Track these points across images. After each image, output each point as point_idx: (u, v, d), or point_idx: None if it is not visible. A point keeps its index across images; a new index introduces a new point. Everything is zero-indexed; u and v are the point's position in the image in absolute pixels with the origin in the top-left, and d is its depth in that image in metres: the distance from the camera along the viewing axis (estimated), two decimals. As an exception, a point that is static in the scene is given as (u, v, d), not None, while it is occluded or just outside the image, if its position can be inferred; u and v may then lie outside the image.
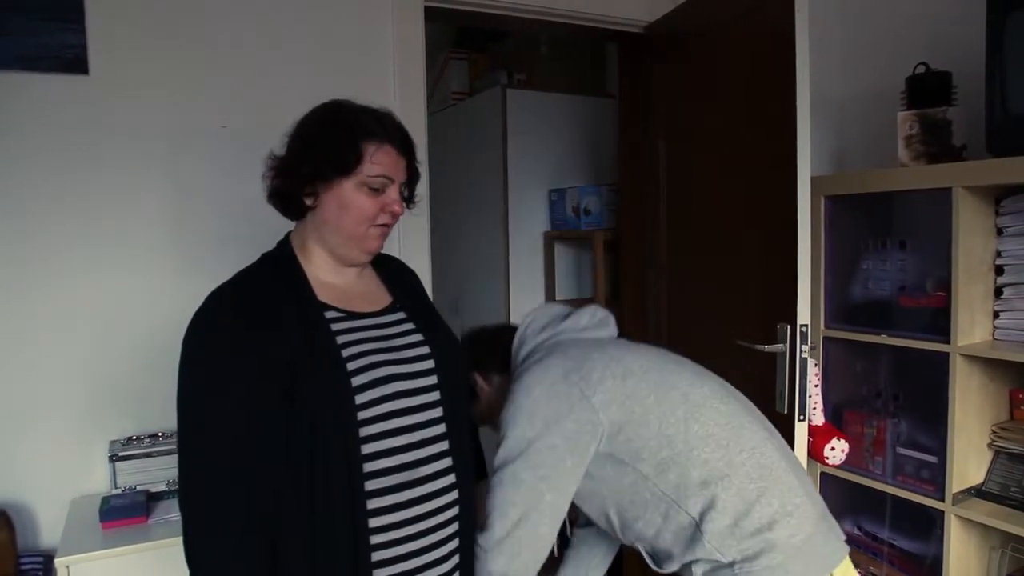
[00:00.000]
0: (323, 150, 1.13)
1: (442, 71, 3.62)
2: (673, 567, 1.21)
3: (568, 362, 1.23)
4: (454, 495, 1.16)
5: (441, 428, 1.16)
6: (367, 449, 1.07)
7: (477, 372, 1.40)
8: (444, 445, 1.16)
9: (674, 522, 1.18)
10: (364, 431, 1.08)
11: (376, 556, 1.08)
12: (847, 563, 1.19)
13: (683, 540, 1.18)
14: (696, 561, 1.17)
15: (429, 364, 1.18)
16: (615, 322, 1.44)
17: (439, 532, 1.14)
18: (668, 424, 1.19)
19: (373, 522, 1.07)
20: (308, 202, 1.15)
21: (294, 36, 2.04)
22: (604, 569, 1.55)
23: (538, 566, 1.22)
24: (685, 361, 1.36)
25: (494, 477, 1.21)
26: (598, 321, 1.40)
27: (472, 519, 1.21)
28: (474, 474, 1.25)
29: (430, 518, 1.13)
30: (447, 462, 1.16)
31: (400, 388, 1.12)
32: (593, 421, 1.18)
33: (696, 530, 1.16)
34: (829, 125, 2.31)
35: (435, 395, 1.16)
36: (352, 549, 1.06)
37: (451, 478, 1.16)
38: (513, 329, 1.39)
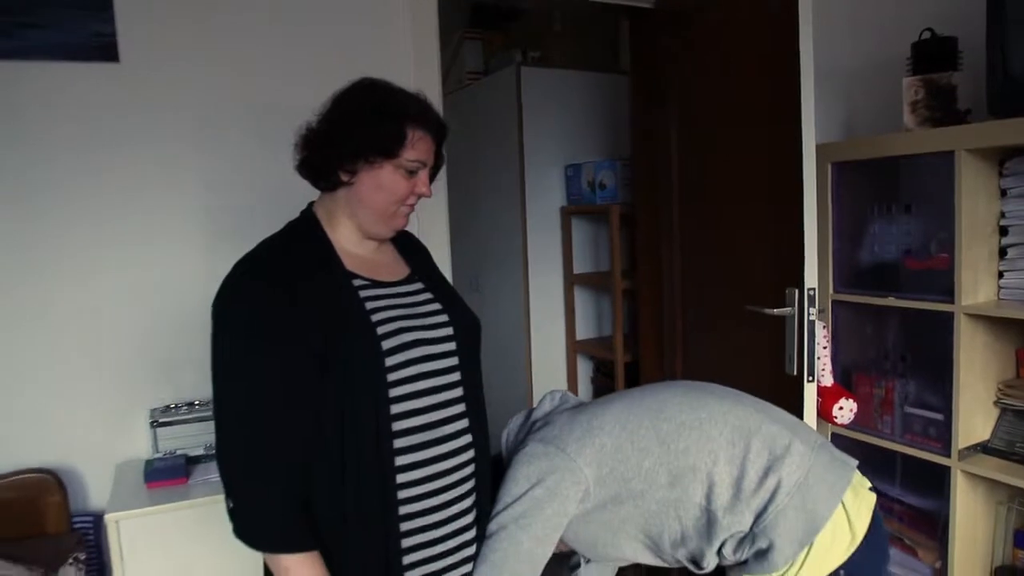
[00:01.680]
0: (371, 134, 1.18)
1: (457, 51, 3.67)
2: (710, 562, 1.27)
3: (541, 438, 1.33)
4: (471, 453, 1.25)
5: (459, 391, 1.24)
6: (394, 409, 1.16)
7: None
8: (462, 407, 1.24)
9: (689, 517, 1.24)
10: (392, 392, 1.16)
11: (403, 510, 1.17)
12: (856, 488, 1.25)
13: (703, 530, 1.24)
14: (724, 544, 1.23)
15: (448, 331, 1.26)
16: (572, 396, 1.51)
17: (460, 487, 1.23)
18: (639, 439, 1.27)
19: (400, 477, 1.16)
20: (345, 178, 1.21)
21: (313, 19, 2.11)
22: None
23: None
24: (665, 384, 1.45)
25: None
26: (558, 401, 1.47)
27: (487, 476, 1.29)
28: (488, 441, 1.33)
29: (451, 474, 1.21)
30: (465, 423, 1.24)
31: (424, 353, 1.20)
32: (572, 468, 1.26)
33: (708, 514, 1.23)
34: (838, 93, 2.35)
35: (454, 360, 1.24)
36: (381, 501, 1.15)
37: (468, 438, 1.24)
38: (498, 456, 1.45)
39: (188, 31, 1.96)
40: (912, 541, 1.91)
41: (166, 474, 1.76)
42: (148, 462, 1.82)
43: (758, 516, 1.19)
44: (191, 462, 1.83)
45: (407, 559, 1.18)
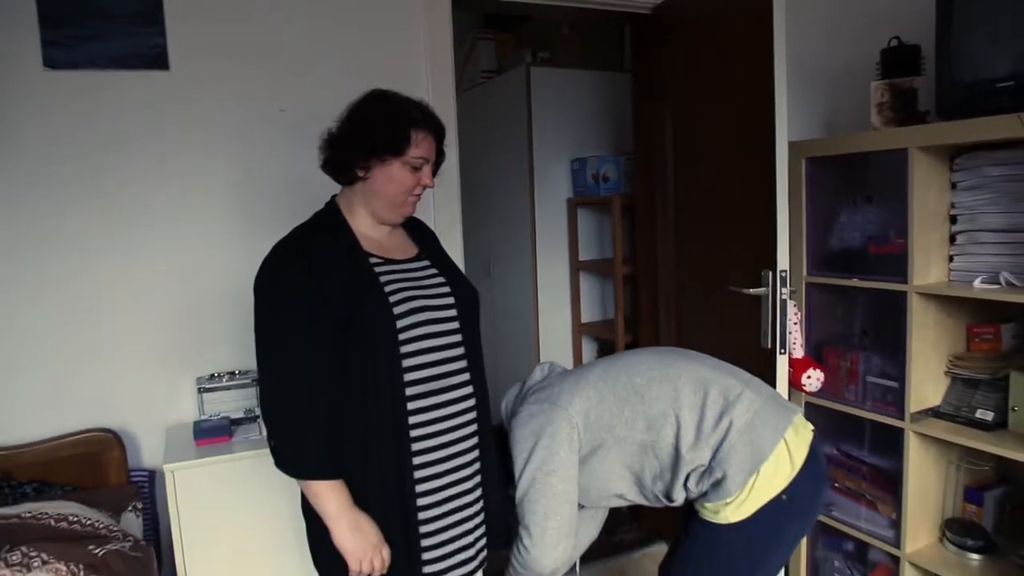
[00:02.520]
0: (381, 135, 1.43)
1: (471, 51, 3.89)
2: (679, 495, 1.51)
3: (536, 399, 1.59)
4: (472, 402, 1.51)
5: (461, 350, 1.50)
6: (405, 363, 1.41)
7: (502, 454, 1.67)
8: (464, 363, 1.50)
9: (664, 455, 1.49)
10: (403, 348, 1.41)
11: (415, 447, 1.42)
12: (797, 426, 1.48)
13: (671, 466, 1.48)
14: (688, 477, 1.47)
15: (450, 301, 1.51)
16: (559, 365, 1.77)
17: (464, 427, 1.49)
18: (619, 390, 1.52)
19: (412, 418, 1.42)
20: (360, 174, 1.46)
21: (339, 31, 2.33)
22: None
23: (572, 549, 1.56)
24: (639, 349, 1.69)
25: (519, 505, 1.55)
26: (547, 371, 1.73)
27: (487, 417, 1.54)
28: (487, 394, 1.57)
29: (456, 418, 1.47)
30: (466, 376, 1.50)
31: (428, 317, 1.45)
32: (565, 416, 1.52)
33: (676, 452, 1.47)
34: (819, 94, 2.54)
35: (456, 324, 1.50)
36: (395, 435, 1.41)
37: (469, 388, 1.50)
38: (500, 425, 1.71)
39: (228, 41, 2.20)
40: (873, 496, 2.13)
41: (213, 432, 2.01)
42: (196, 423, 2.08)
43: (715, 452, 1.42)
44: (234, 423, 2.08)
45: (419, 486, 1.43)
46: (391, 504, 1.42)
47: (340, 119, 1.49)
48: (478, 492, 1.53)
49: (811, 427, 1.52)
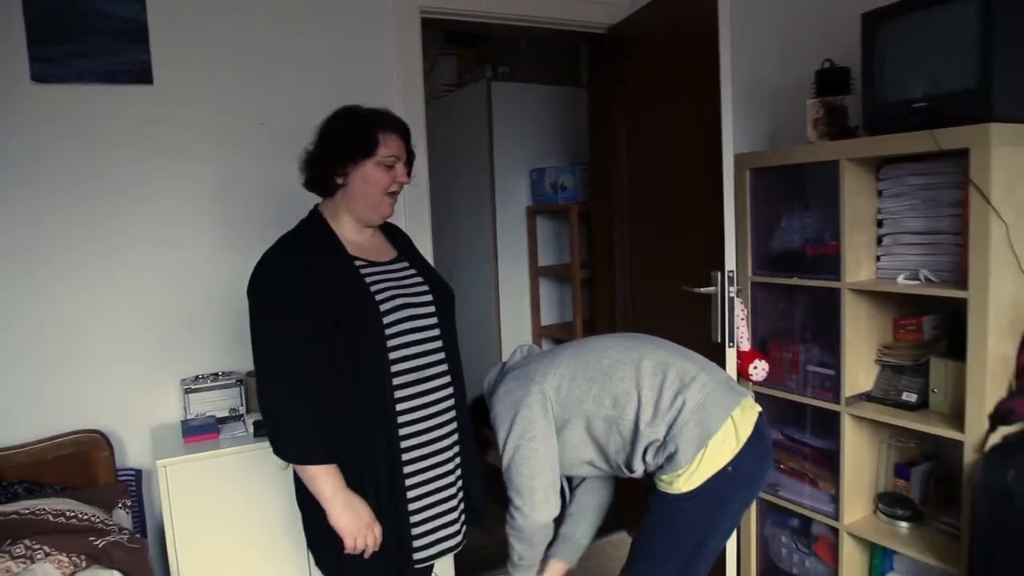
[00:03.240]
0: (350, 141, 1.58)
1: (433, 65, 4.04)
2: (638, 466, 1.68)
3: (513, 376, 1.76)
4: (451, 390, 1.67)
5: (440, 343, 1.65)
6: (391, 355, 1.55)
7: (483, 426, 1.83)
8: (442, 355, 1.65)
9: (627, 430, 1.66)
10: (390, 343, 1.55)
11: (403, 432, 1.57)
12: (744, 407, 1.66)
13: (632, 440, 1.66)
14: (646, 451, 1.64)
15: (429, 299, 1.66)
16: (536, 348, 1.96)
17: (444, 416, 1.64)
18: (588, 369, 1.70)
19: (399, 406, 1.56)
20: (339, 181, 1.59)
21: (317, 47, 2.46)
22: (597, 520, 2.01)
23: (559, 503, 1.72)
24: (608, 334, 1.88)
25: (505, 472, 1.71)
26: (525, 353, 1.91)
27: (464, 402, 1.72)
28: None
29: (437, 405, 1.63)
30: (445, 366, 1.65)
31: (411, 314, 1.60)
32: (541, 392, 1.69)
33: (636, 427, 1.64)
34: (763, 110, 2.76)
35: (435, 320, 1.65)
36: (385, 425, 1.55)
37: (448, 379, 1.66)
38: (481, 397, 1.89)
39: (209, 57, 2.31)
40: (815, 475, 2.34)
41: (201, 430, 2.11)
42: (184, 421, 2.18)
43: (668, 428, 1.60)
44: (220, 421, 2.18)
45: (407, 468, 1.57)
46: (382, 486, 1.56)
47: (313, 140, 1.63)
48: (458, 474, 1.68)
49: (758, 408, 1.71)
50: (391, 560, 1.58)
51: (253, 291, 1.56)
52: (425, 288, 1.66)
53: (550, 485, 1.69)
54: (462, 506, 1.70)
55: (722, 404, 1.62)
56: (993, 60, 1.72)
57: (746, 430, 1.62)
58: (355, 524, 1.52)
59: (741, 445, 1.60)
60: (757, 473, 1.69)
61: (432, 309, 1.65)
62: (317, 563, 1.69)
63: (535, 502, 1.68)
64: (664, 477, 1.64)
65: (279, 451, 1.53)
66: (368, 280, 1.57)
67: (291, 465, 1.57)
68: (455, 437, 1.67)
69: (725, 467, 1.59)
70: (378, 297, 1.56)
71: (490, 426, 1.76)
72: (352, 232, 1.64)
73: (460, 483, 1.70)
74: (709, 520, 1.65)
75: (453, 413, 1.67)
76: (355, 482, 1.54)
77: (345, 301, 1.52)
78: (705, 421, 1.59)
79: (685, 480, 1.60)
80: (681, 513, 1.63)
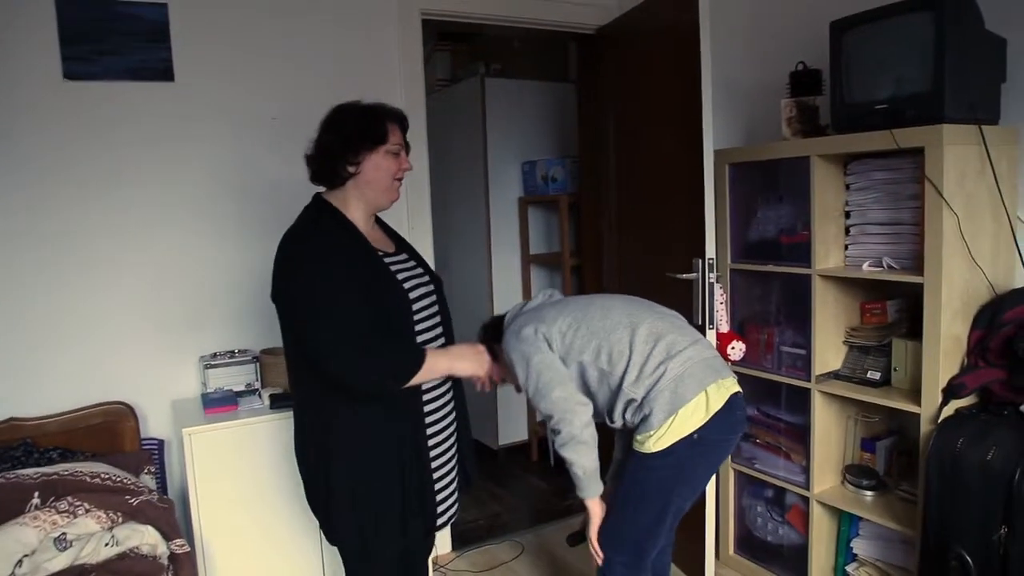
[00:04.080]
0: (361, 131, 1.68)
1: (428, 60, 4.18)
2: (617, 418, 1.88)
3: (527, 317, 1.94)
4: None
5: (439, 319, 1.83)
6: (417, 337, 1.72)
7: (493, 343, 2.00)
8: (443, 339, 1.83)
9: (614, 384, 1.85)
10: (416, 327, 1.72)
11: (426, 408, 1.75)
12: (721, 385, 1.83)
13: (615, 393, 1.85)
14: (627, 407, 1.83)
15: (430, 287, 1.83)
16: (560, 292, 2.14)
17: (444, 386, 1.82)
18: (593, 323, 1.87)
19: None
20: (351, 170, 1.68)
21: (324, 47, 2.62)
22: None
23: (589, 402, 1.87)
24: (616, 295, 2.05)
25: (533, 399, 1.88)
26: (546, 296, 2.09)
27: (461, 386, 1.91)
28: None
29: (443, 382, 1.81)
30: (443, 338, 1.83)
31: (426, 303, 1.78)
32: (547, 337, 1.87)
33: (620, 383, 1.83)
34: (741, 108, 2.94)
35: (436, 308, 1.82)
36: (413, 397, 1.71)
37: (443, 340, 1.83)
38: (502, 317, 2.08)
39: (226, 56, 2.47)
40: (787, 448, 2.53)
41: (220, 402, 2.28)
42: (204, 394, 2.34)
43: (647, 391, 1.79)
44: (237, 395, 2.35)
45: (428, 404, 1.75)
46: (409, 459, 1.70)
47: (318, 135, 1.71)
48: (455, 444, 1.86)
49: (736, 388, 1.89)
50: (418, 529, 1.73)
51: (287, 261, 1.63)
52: (427, 278, 1.83)
53: (571, 394, 1.84)
54: (456, 471, 1.87)
55: (699, 378, 1.80)
56: (944, 67, 1.90)
57: (717, 404, 1.80)
58: (473, 364, 1.78)
59: (709, 416, 1.79)
60: (722, 444, 1.89)
61: (434, 299, 1.82)
62: (331, 539, 1.78)
63: (566, 409, 1.82)
64: (639, 437, 1.83)
65: (396, 382, 1.63)
66: (392, 269, 1.72)
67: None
68: (454, 412, 1.86)
69: (691, 434, 1.78)
70: (405, 286, 1.71)
71: (500, 346, 1.95)
72: (361, 222, 1.74)
73: (456, 453, 1.86)
74: (674, 480, 1.84)
75: (451, 388, 1.85)
76: (384, 454, 1.66)
77: (376, 287, 1.65)
78: (679, 391, 1.78)
79: (655, 441, 1.80)
80: (650, 471, 1.83)
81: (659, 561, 2.07)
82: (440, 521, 1.80)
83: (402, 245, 1.88)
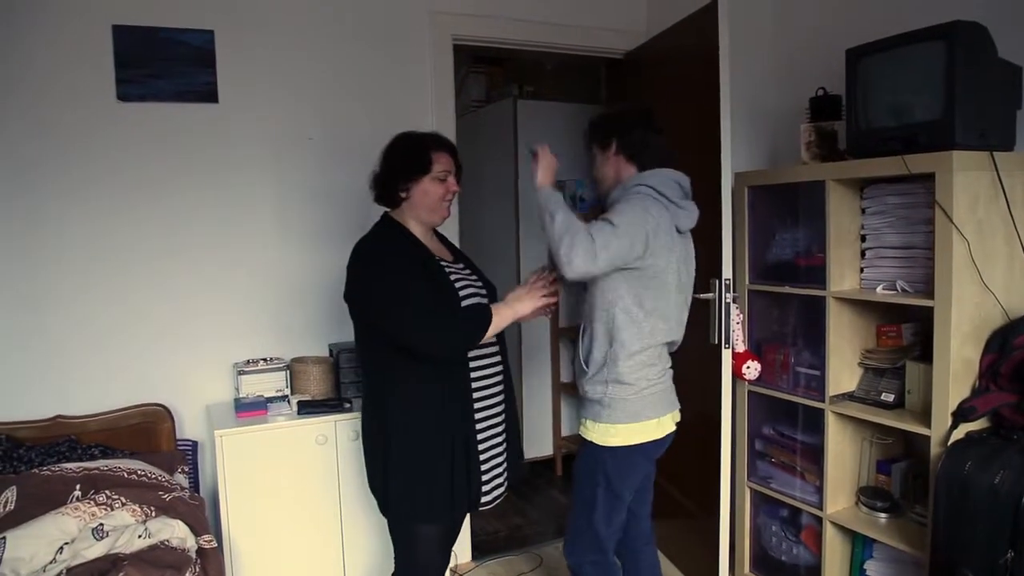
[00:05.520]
0: (411, 162, 1.92)
1: (463, 82, 4.32)
2: (581, 373, 2.00)
3: (651, 208, 1.95)
4: (501, 366, 2.05)
5: None
6: None
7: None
8: (495, 338, 2.00)
9: (609, 341, 1.93)
10: None
11: (475, 396, 1.92)
12: (673, 416, 2.04)
13: (603, 355, 1.94)
14: (594, 376, 1.96)
15: (484, 292, 2.01)
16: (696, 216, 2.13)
17: (496, 377, 2.02)
18: (648, 291, 1.93)
19: (472, 374, 1.92)
20: (403, 195, 1.92)
21: (359, 71, 2.75)
22: None
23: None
24: (684, 284, 2.10)
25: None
26: (683, 194, 2.09)
27: (511, 382, 2.09)
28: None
29: (492, 377, 2.01)
30: (497, 347, 2.04)
31: (474, 295, 1.94)
32: (648, 238, 1.90)
33: (610, 348, 1.93)
34: (764, 131, 2.99)
35: (485, 301, 1.98)
36: (464, 390, 1.91)
37: (499, 356, 2.05)
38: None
39: (269, 80, 2.62)
40: (803, 468, 2.55)
41: (252, 407, 2.39)
42: (236, 399, 2.46)
43: (615, 381, 1.92)
44: (268, 400, 2.47)
45: (477, 425, 1.92)
46: (457, 442, 1.88)
47: (379, 162, 1.96)
48: (505, 435, 2.03)
49: (675, 425, 2.06)
50: (461, 504, 1.91)
51: (364, 263, 1.86)
52: (481, 284, 2.03)
53: (603, 254, 1.84)
54: (506, 463, 2.04)
55: (659, 406, 2.00)
56: (955, 95, 1.94)
57: (658, 434, 1.99)
58: (533, 300, 1.98)
59: (644, 441, 1.96)
60: (639, 467, 2.04)
61: (486, 301, 1.99)
62: (384, 510, 1.95)
63: (587, 251, 1.84)
64: (588, 423, 1.98)
65: (476, 338, 1.85)
66: (448, 272, 1.92)
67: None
68: (503, 406, 2.03)
69: (624, 447, 1.95)
70: (460, 291, 1.91)
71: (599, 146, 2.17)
72: (421, 235, 1.97)
73: (506, 444, 2.04)
74: (582, 470, 2.03)
75: (503, 383, 2.03)
76: (435, 438, 1.85)
77: (435, 284, 1.86)
78: (637, 408, 1.94)
79: (599, 435, 1.96)
80: (581, 458, 2.03)
81: (642, 552, 2.23)
82: (489, 498, 1.97)
83: (459, 256, 2.10)
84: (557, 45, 3.13)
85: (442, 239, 2.11)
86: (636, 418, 1.95)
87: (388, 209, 1.99)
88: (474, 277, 2.04)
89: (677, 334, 2.06)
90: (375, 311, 1.84)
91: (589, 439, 1.99)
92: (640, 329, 1.93)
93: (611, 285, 1.92)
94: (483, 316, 1.87)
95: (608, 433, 1.96)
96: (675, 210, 2.01)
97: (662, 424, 2.01)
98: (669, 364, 2.06)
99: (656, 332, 1.96)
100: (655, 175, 2.03)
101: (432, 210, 1.95)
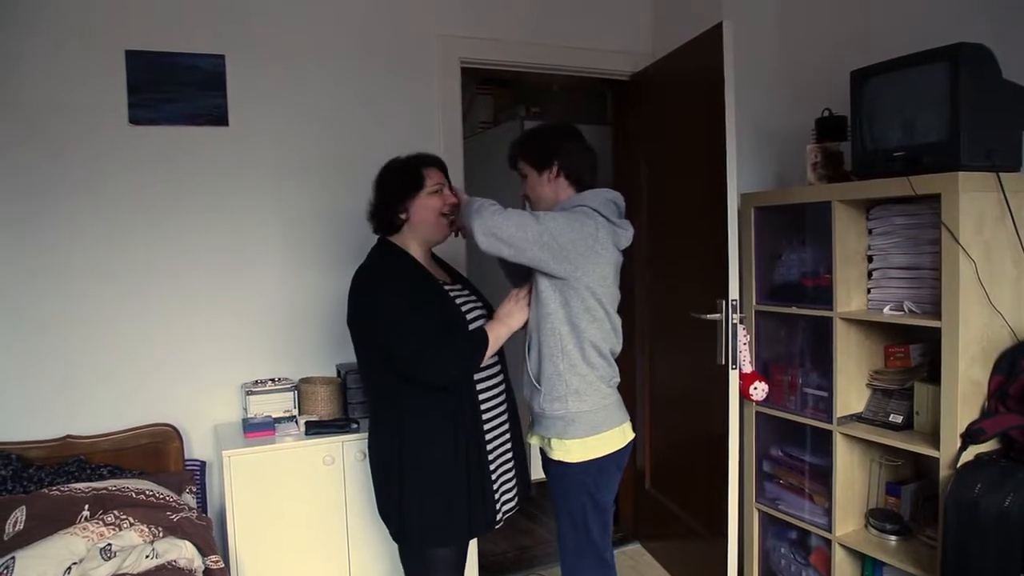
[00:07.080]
0: (401, 182, 1.94)
1: (471, 104, 4.36)
2: (531, 387, 1.99)
3: (600, 224, 1.97)
4: (504, 384, 2.06)
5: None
6: None
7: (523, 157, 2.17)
8: (497, 357, 2.03)
9: (555, 358, 1.94)
10: None
11: (484, 417, 1.93)
12: (624, 429, 2.04)
13: (551, 371, 1.94)
14: (545, 394, 1.95)
15: (484, 312, 2.02)
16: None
17: (500, 396, 2.03)
18: (595, 308, 1.95)
19: (480, 396, 1.93)
20: (403, 217, 1.94)
21: (367, 94, 2.79)
22: None
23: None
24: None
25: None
26: (619, 213, 2.11)
27: (514, 400, 2.09)
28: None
29: (498, 398, 2.01)
30: (499, 367, 2.05)
31: (475, 316, 1.97)
32: (595, 244, 1.92)
33: (561, 358, 1.93)
34: (771, 152, 3.00)
35: (486, 322, 1.98)
36: (472, 414, 1.94)
37: (502, 375, 2.06)
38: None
39: (278, 103, 2.65)
40: (812, 490, 2.54)
41: (260, 427, 2.40)
42: (245, 420, 2.47)
43: (567, 393, 1.93)
44: (275, 421, 2.47)
45: (488, 446, 1.93)
46: (472, 462, 1.90)
47: (372, 193, 1.99)
48: (512, 451, 2.05)
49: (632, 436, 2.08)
50: (479, 523, 1.92)
51: (367, 289, 1.88)
52: (480, 304, 2.05)
53: (531, 249, 1.87)
54: (515, 480, 2.07)
55: (618, 414, 2.03)
56: (960, 116, 1.94)
57: (623, 442, 2.02)
58: (522, 312, 1.98)
59: (615, 450, 1.99)
60: (614, 475, 2.05)
61: (483, 312, 2.03)
62: (397, 537, 1.96)
63: (511, 236, 1.85)
64: (554, 442, 1.97)
65: (474, 364, 1.88)
66: (451, 295, 1.95)
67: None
68: (508, 421, 2.05)
69: (596, 460, 1.96)
70: (462, 308, 1.94)
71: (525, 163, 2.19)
72: (420, 257, 1.99)
73: (514, 461, 2.06)
74: (564, 491, 2.03)
75: (506, 402, 2.05)
76: (450, 459, 1.87)
77: (437, 306, 1.89)
78: (601, 419, 1.97)
79: (569, 453, 1.95)
80: (555, 480, 2.03)
81: None
82: (502, 513, 2.00)
83: (458, 277, 2.12)
84: (563, 67, 3.16)
85: (440, 262, 2.13)
86: (599, 429, 1.96)
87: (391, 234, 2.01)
88: (474, 298, 2.05)
89: (617, 343, 2.06)
90: (379, 335, 1.86)
91: (557, 459, 1.98)
92: (585, 339, 1.94)
93: (552, 296, 1.93)
94: (480, 339, 1.89)
95: (578, 448, 1.95)
96: (614, 228, 2.02)
97: (624, 432, 2.04)
98: (616, 372, 2.06)
99: (607, 339, 1.99)
100: (596, 195, 2.05)
101: (432, 226, 1.97)
